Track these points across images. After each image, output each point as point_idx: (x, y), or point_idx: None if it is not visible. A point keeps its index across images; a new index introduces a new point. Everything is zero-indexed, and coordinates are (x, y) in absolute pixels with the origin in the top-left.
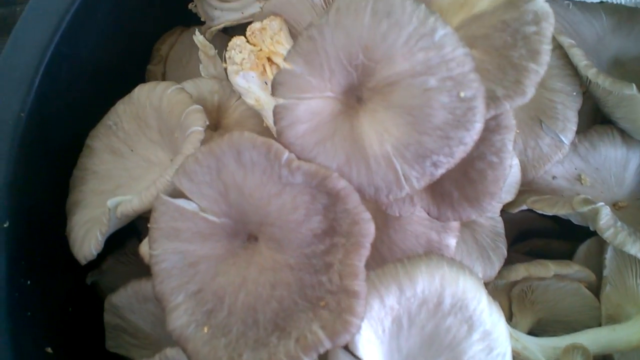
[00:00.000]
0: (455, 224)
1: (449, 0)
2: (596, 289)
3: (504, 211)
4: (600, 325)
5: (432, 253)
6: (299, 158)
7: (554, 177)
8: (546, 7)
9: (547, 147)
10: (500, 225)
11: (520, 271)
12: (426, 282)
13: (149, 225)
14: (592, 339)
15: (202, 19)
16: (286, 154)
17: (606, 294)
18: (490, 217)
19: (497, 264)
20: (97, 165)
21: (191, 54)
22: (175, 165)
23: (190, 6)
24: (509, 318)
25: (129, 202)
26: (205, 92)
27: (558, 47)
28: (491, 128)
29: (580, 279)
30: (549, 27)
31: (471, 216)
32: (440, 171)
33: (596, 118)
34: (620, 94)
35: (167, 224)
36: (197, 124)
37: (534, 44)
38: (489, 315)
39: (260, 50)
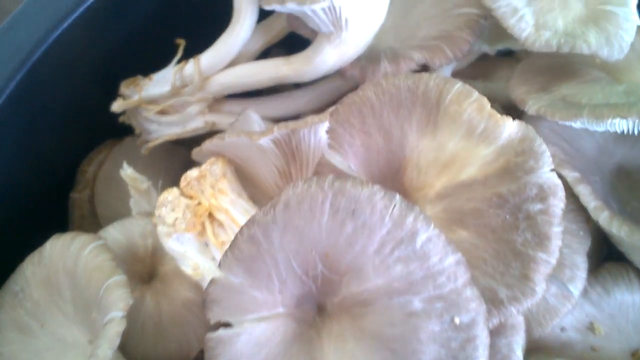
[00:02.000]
0: None
1: (428, 157)
2: None
3: None
4: None
5: None
6: None
7: (562, 329)
8: (553, 179)
9: (554, 298)
10: None
11: None
12: None
13: None
14: None
15: (137, 133)
16: None
17: None
18: None
19: None
20: (1, 347)
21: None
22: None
23: (122, 119)
24: None
25: None
26: (136, 237)
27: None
28: (494, 330)
29: None
30: (558, 204)
31: None
32: None
33: (602, 246)
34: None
35: None
36: (118, 307)
37: (541, 227)
38: None
39: (199, 204)
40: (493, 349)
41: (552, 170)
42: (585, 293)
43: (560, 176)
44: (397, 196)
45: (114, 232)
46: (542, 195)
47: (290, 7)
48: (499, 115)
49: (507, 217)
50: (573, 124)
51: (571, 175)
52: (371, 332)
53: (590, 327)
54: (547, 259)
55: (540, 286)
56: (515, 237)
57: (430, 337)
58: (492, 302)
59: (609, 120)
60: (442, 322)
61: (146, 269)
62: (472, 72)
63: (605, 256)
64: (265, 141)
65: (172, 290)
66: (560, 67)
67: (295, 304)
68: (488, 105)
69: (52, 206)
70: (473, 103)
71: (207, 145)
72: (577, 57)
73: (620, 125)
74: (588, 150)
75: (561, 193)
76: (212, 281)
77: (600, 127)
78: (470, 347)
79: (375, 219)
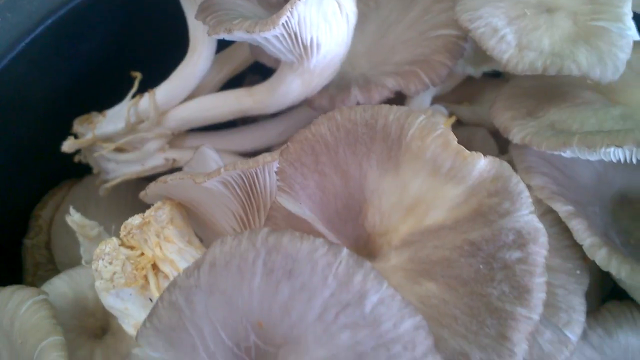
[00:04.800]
0: None
1: (390, 199)
2: None
3: None
4: None
5: None
6: None
7: None
8: (533, 223)
9: (549, 344)
10: None
11: None
12: None
13: None
14: None
15: (95, 172)
16: None
17: None
18: None
19: None
20: None
21: (86, 211)
22: None
23: (77, 159)
24: None
25: None
26: (85, 288)
27: (550, 211)
28: None
29: None
30: (540, 252)
31: None
32: None
33: (605, 283)
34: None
35: None
36: None
37: (520, 278)
38: None
39: (142, 254)
40: None
41: (532, 212)
42: (585, 336)
43: (552, 211)
44: (344, 251)
45: (60, 284)
46: (521, 241)
47: (239, 35)
48: (467, 152)
49: (481, 267)
50: (563, 154)
51: (564, 209)
52: None
53: None
54: (528, 315)
55: (520, 346)
56: (491, 290)
57: None
58: None
59: (603, 149)
60: None
61: (98, 322)
62: (456, 97)
63: (608, 294)
64: (212, 184)
65: (124, 345)
66: (548, 90)
67: None
68: (454, 140)
69: (5, 254)
70: (437, 138)
71: (152, 188)
72: (568, 78)
73: (615, 154)
74: (585, 178)
75: (543, 239)
76: (130, 357)
77: (593, 157)
78: None
79: (316, 280)
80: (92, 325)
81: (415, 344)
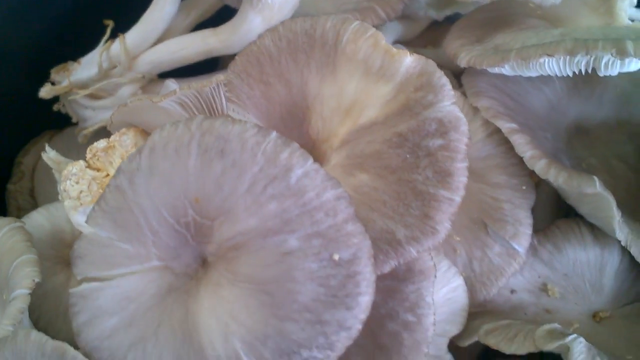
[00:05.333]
0: None
1: (330, 105)
2: None
3: None
4: None
5: None
6: None
7: (512, 291)
8: (454, 112)
9: (498, 257)
10: None
11: None
12: None
13: None
14: None
15: (74, 121)
16: None
17: None
18: (435, 355)
19: None
20: None
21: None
22: None
23: (56, 107)
24: None
25: None
26: (62, 221)
27: (497, 131)
28: (401, 275)
29: None
30: (461, 139)
31: None
32: None
33: (560, 206)
34: (580, 191)
35: None
36: (22, 285)
37: (442, 163)
38: None
39: (107, 175)
40: (401, 296)
41: (453, 104)
42: (535, 252)
43: (499, 131)
44: (273, 133)
45: (37, 217)
46: (442, 129)
47: None
48: (395, 50)
49: (408, 156)
50: (503, 71)
51: (507, 126)
52: (245, 275)
53: (544, 288)
54: (450, 197)
55: (443, 225)
56: (416, 176)
57: (308, 276)
58: (390, 243)
59: (536, 60)
60: (320, 259)
61: None
62: (421, 41)
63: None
64: (169, 104)
65: None
66: (498, 20)
67: (173, 256)
68: (383, 40)
69: None
70: (368, 39)
71: (116, 115)
72: (517, 8)
73: (550, 66)
74: (537, 106)
75: (464, 127)
76: (80, 237)
77: (531, 72)
78: (351, 283)
79: (245, 157)
80: (68, 256)
81: (336, 212)
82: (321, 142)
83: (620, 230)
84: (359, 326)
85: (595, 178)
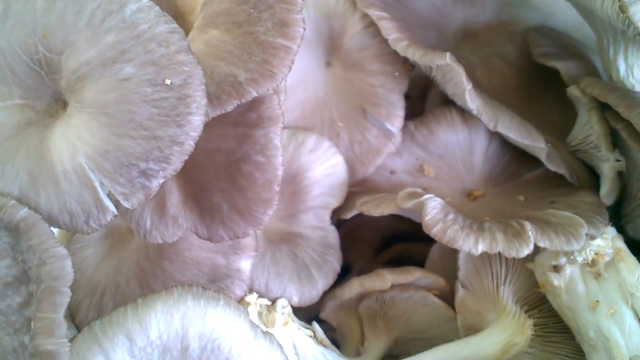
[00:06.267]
0: (248, 242)
1: None
2: (453, 297)
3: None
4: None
5: (174, 288)
6: None
7: (392, 172)
8: None
9: (375, 139)
10: (332, 235)
11: (354, 286)
12: (162, 324)
13: None
14: (441, 358)
15: None
16: None
17: (461, 299)
18: (318, 226)
19: (322, 283)
20: None
21: None
22: None
23: None
24: (361, 342)
25: None
26: None
27: (373, 24)
28: (252, 122)
29: (428, 286)
30: None
31: (247, 231)
32: (156, 182)
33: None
34: (435, 65)
35: None
36: None
37: (279, 15)
38: (252, 354)
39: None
40: (252, 140)
41: None
42: (412, 137)
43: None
44: None
45: None
46: None
47: None
48: None
49: (252, 11)
50: None
51: (376, 14)
52: (88, 101)
53: (420, 169)
54: (287, 45)
55: (280, 69)
56: (258, 27)
57: (143, 99)
58: (232, 85)
59: None
60: (154, 84)
61: None
62: None
63: None
64: None
65: None
66: None
67: (34, 97)
68: None
69: None
70: None
71: None
72: None
73: None
74: (421, 8)
75: None
76: None
77: None
78: (182, 105)
79: None
80: None
81: (169, 43)
82: (188, 13)
83: (472, 100)
84: (191, 142)
85: (448, 53)
